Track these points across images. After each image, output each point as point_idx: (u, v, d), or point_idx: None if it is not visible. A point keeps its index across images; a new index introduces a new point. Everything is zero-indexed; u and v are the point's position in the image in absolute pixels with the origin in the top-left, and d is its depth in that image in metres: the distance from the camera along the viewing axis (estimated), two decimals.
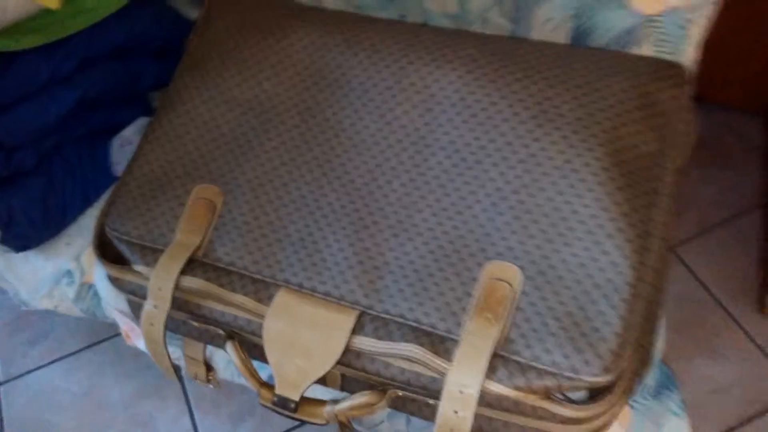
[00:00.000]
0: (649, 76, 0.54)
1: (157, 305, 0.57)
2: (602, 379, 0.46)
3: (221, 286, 0.57)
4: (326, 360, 0.53)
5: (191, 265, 0.58)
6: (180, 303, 0.59)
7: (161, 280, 0.57)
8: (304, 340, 0.53)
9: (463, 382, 0.47)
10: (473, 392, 0.47)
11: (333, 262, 0.55)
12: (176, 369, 0.62)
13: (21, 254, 0.72)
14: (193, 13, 0.85)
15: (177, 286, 0.57)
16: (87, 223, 0.73)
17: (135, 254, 0.60)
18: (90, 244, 0.72)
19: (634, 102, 0.53)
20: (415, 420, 0.61)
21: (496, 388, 0.48)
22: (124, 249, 0.61)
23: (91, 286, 0.72)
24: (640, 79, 0.53)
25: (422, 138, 0.57)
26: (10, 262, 0.73)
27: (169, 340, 0.69)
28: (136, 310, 0.66)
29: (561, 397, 0.49)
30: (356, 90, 0.60)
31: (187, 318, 0.60)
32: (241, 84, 0.63)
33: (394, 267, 0.53)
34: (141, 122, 0.76)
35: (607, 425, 0.53)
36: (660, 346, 0.60)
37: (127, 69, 0.74)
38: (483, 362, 0.47)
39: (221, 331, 0.59)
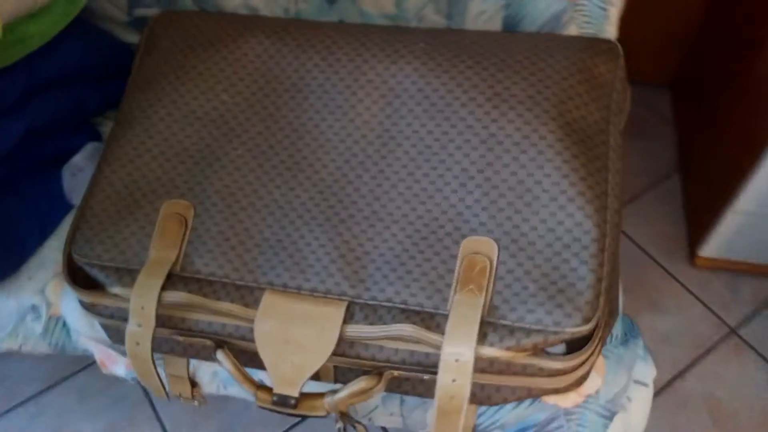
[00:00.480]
0: (585, 53, 0.59)
1: (141, 323, 0.57)
2: (584, 329, 0.50)
3: (205, 296, 0.58)
4: (321, 353, 0.54)
5: (171, 281, 0.58)
6: (163, 319, 0.59)
7: (143, 298, 0.57)
8: (296, 337, 0.55)
9: (458, 351, 0.50)
10: (468, 359, 0.50)
11: (314, 259, 0.56)
12: (147, 392, 0.62)
13: None
14: (129, 37, 0.84)
15: (160, 302, 0.57)
16: (47, 255, 0.71)
17: (110, 277, 0.59)
18: (54, 276, 0.70)
19: (576, 77, 0.58)
20: (408, 400, 0.63)
21: (489, 351, 0.51)
22: (96, 274, 0.60)
23: (59, 319, 0.70)
24: (578, 56, 0.59)
25: (386, 131, 0.59)
26: None
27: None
28: (114, 335, 0.65)
29: (545, 353, 0.53)
30: (316, 92, 0.62)
31: (172, 334, 0.60)
32: (198, 97, 0.64)
33: (375, 255, 0.56)
34: (90, 148, 0.75)
35: (587, 375, 0.58)
36: (621, 298, 0.65)
37: (70, 96, 0.73)
38: (474, 330, 0.51)
39: (209, 342, 0.59)
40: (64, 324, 0.70)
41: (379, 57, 0.61)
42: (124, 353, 0.67)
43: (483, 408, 0.60)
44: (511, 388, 0.56)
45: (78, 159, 0.74)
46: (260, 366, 0.61)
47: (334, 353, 0.54)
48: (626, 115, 0.61)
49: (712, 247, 0.99)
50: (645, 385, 0.61)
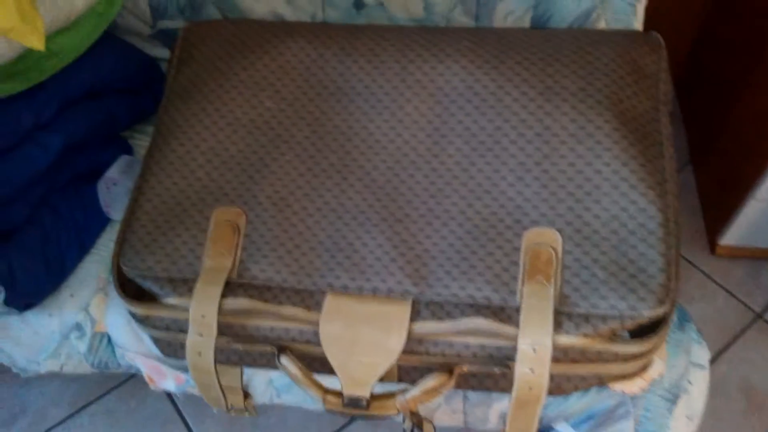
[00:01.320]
0: (630, 45, 0.60)
1: (203, 333, 0.56)
2: (659, 311, 0.51)
3: (266, 301, 0.57)
4: (391, 351, 0.54)
5: (229, 288, 0.57)
6: (223, 327, 0.58)
7: (203, 306, 0.56)
8: (364, 337, 0.54)
9: (535, 341, 0.51)
10: (546, 348, 0.50)
11: (373, 259, 0.56)
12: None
13: (16, 317, 0.67)
14: (152, 50, 0.83)
15: (221, 310, 0.56)
16: (87, 270, 0.69)
17: (164, 288, 0.58)
18: (96, 291, 0.68)
19: (624, 69, 0.59)
20: (471, 396, 0.63)
21: (567, 339, 0.51)
22: (150, 285, 0.59)
23: (103, 336, 0.68)
24: (624, 48, 0.60)
25: (436, 129, 0.60)
26: (5, 327, 0.67)
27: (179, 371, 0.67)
28: (166, 348, 0.63)
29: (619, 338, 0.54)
30: (362, 94, 0.62)
31: (230, 342, 0.59)
32: (242, 105, 0.63)
33: (435, 252, 0.56)
34: (123, 161, 0.74)
35: (652, 360, 0.58)
36: None
37: (103, 109, 0.72)
38: (548, 319, 0.51)
39: (270, 348, 0.58)
40: (109, 341, 0.68)
41: (425, 57, 0.62)
42: (176, 367, 0.66)
43: (549, 399, 0.60)
44: (581, 377, 0.56)
45: (112, 173, 0.72)
46: (321, 370, 0.61)
47: (403, 351, 0.54)
48: (670, 104, 0.62)
49: (732, 236, 1.01)
50: (702, 367, 0.62)
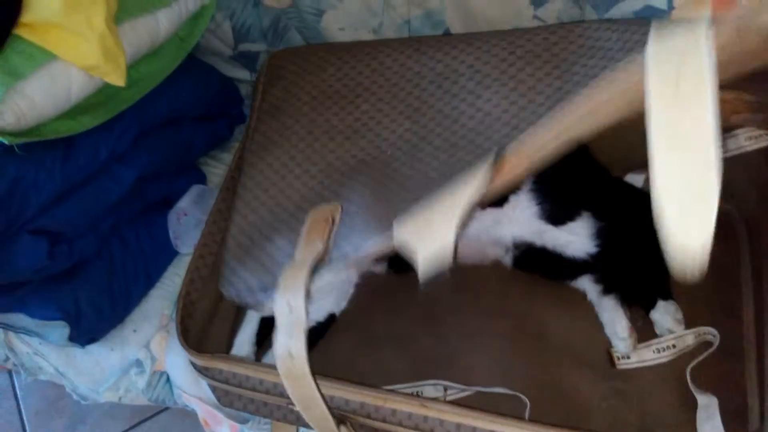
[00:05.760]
0: None
1: (291, 334, 0.45)
2: None
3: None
4: None
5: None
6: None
7: (289, 294, 0.46)
8: None
9: None
10: None
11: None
12: None
13: (80, 348, 0.66)
14: (231, 71, 0.81)
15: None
16: (151, 306, 0.68)
17: (258, 295, 0.54)
18: (159, 328, 0.67)
19: None
20: None
21: None
22: (246, 298, 0.55)
23: (162, 374, 0.67)
24: None
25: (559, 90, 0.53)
26: (69, 356, 0.67)
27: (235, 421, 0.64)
28: (223, 397, 0.61)
29: None
30: (465, 74, 0.58)
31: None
32: (338, 113, 0.61)
33: None
34: (195, 191, 0.72)
35: None
36: None
37: (180, 137, 0.70)
38: None
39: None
40: (168, 379, 0.67)
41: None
42: (232, 417, 0.64)
43: None
44: None
45: (183, 203, 0.70)
46: None
47: None
48: None
49: None
50: None
